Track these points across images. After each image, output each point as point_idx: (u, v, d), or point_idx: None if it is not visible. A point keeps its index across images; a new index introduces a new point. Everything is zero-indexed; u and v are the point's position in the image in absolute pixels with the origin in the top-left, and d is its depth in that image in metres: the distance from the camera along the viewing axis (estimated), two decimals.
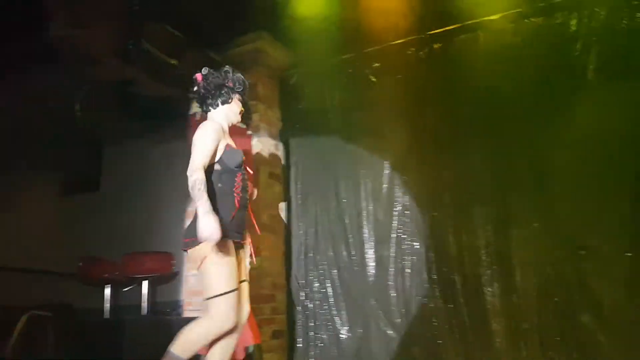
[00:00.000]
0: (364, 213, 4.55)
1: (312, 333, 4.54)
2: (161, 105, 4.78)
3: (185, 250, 2.67)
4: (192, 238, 2.57)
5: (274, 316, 4.59)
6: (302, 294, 4.67)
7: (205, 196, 2.48)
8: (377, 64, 4.68)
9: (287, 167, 5.04)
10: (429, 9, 4.19)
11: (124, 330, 4.55)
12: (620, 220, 3.61)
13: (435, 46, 4.42)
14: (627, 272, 3.52)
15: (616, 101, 3.67)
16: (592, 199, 3.70)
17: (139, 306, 5.28)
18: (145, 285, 5.27)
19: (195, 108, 4.25)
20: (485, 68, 4.12)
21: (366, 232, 4.51)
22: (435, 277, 4.15)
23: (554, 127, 3.86)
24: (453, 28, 4.31)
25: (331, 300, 4.51)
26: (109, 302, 5.20)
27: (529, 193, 3.87)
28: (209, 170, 2.68)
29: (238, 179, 2.82)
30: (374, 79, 4.69)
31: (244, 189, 2.85)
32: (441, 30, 4.35)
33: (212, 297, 2.59)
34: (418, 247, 4.27)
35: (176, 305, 5.09)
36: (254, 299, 4.30)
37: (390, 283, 4.30)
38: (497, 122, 4.06)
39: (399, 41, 4.52)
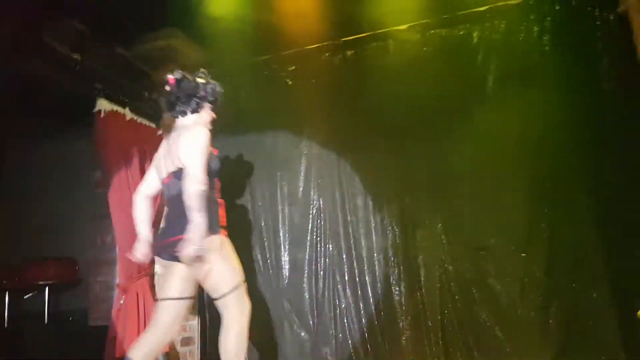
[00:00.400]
0: (280, 216, 4.55)
1: None
2: (64, 101, 4.52)
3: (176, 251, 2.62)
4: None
5: (184, 322, 4.46)
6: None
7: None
8: (292, 67, 4.70)
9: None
10: (343, 16, 4.28)
11: (24, 339, 4.30)
12: (515, 222, 3.86)
13: (349, 52, 4.52)
14: (522, 271, 3.78)
15: (513, 109, 3.93)
16: (491, 201, 3.94)
17: (41, 314, 5.01)
18: (46, 292, 5.00)
19: (100, 105, 4.04)
20: (394, 75, 4.29)
21: (282, 235, 4.50)
22: (347, 278, 4.23)
23: (457, 132, 4.08)
24: (365, 36, 4.42)
25: None
26: (6, 310, 4.87)
27: (433, 195, 4.06)
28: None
29: (217, 184, 2.89)
30: (289, 82, 4.70)
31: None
32: (354, 37, 4.45)
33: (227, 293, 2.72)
34: (331, 249, 4.33)
35: (81, 314, 4.83)
36: None
37: (304, 285, 4.33)
38: (405, 127, 4.23)
39: (314, 46, 4.57)
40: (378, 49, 4.43)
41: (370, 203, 4.26)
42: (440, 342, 3.85)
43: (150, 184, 3.10)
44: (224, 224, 2.88)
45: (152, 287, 4.16)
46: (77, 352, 4.08)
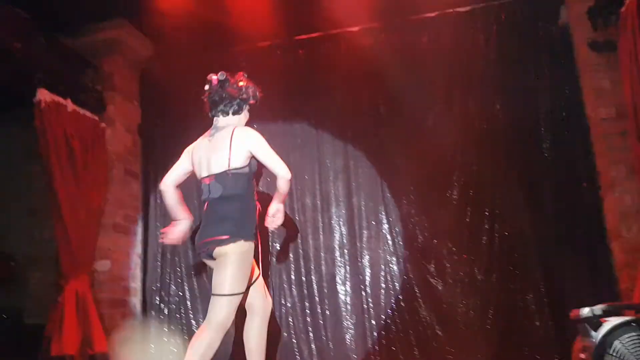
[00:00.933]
0: None
1: (165, 339, 4.37)
2: (1, 90, 4.32)
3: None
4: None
5: (125, 322, 4.36)
6: (157, 298, 4.47)
7: None
8: (243, 64, 4.64)
9: (145, 164, 4.81)
10: (297, 16, 4.28)
11: None
12: (458, 224, 3.97)
13: (301, 52, 4.52)
14: (463, 272, 3.89)
15: (458, 113, 4.06)
16: (435, 203, 4.05)
17: None
18: None
19: (41, 95, 3.87)
20: (345, 76, 4.33)
21: None
22: (293, 277, 4.23)
23: (403, 135, 4.20)
24: (317, 36, 4.43)
25: (188, 304, 4.38)
26: None
27: (380, 196, 4.11)
28: (243, 173, 2.78)
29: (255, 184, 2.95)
30: None
31: None
32: (306, 37, 4.45)
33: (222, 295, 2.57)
34: (279, 248, 4.32)
35: (16, 311, 4.62)
36: (103, 304, 4.11)
37: None
38: (352, 129, 4.29)
39: (266, 43, 4.53)
40: (330, 49, 4.46)
41: (319, 203, 4.28)
42: (384, 340, 3.91)
43: (179, 175, 3.16)
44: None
45: (92, 285, 4.03)
46: (11, 351, 3.92)
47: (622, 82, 3.36)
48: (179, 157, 4.58)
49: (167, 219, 4.55)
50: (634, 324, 2.49)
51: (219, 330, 2.60)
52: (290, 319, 4.16)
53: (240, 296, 2.65)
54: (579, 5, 3.77)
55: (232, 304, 2.61)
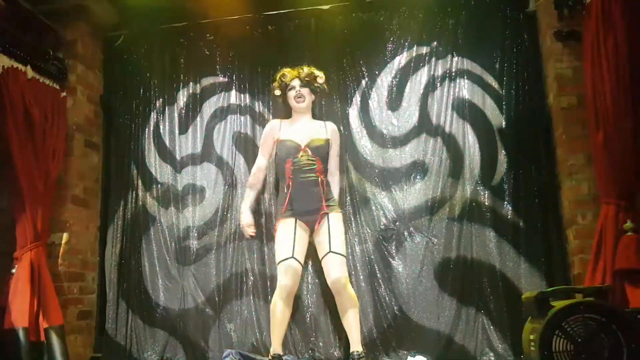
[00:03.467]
0: (190, 190, 4.43)
1: (123, 314, 4.32)
2: None
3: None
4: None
5: (82, 296, 4.29)
6: (116, 272, 4.41)
7: None
8: (210, 37, 4.57)
9: (107, 136, 4.70)
10: None
11: None
12: (419, 205, 4.04)
13: (270, 27, 4.46)
14: (422, 254, 3.96)
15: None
16: (398, 185, 4.12)
17: None
18: None
19: (4, 61, 3.73)
20: (314, 53, 4.29)
21: (191, 210, 4.40)
22: (255, 255, 4.20)
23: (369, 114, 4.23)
24: (287, 12, 4.37)
25: (147, 278, 4.33)
26: None
27: (343, 178, 4.11)
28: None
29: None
30: (206, 52, 4.57)
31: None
32: (276, 12, 4.39)
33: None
34: (240, 226, 4.28)
35: None
36: (60, 277, 4.04)
37: (211, 261, 4.27)
38: (320, 107, 4.25)
39: (234, 17, 4.45)
40: (300, 26, 4.41)
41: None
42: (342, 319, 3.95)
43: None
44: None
45: (48, 257, 3.95)
46: None
47: (584, 72, 3.42)
48: (142, 130, 4.54)
49: (128, 192, 4.50)
50: (581, 307, 2.58)
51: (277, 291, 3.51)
52: (251, 297, 4.15)
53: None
54: None
55: (281, 270, 3.49)
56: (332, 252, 3.40)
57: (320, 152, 3.60)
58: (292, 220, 3.48)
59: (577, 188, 3.63)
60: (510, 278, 3.82)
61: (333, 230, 3.45)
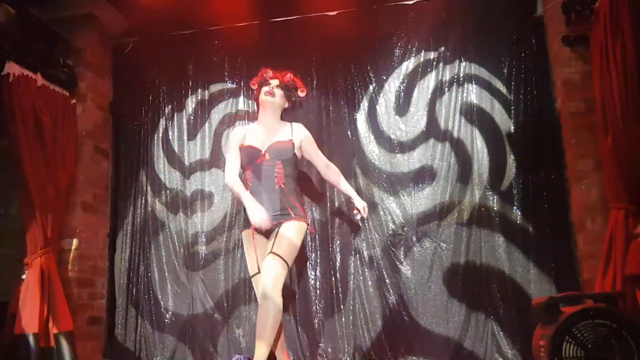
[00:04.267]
0: (199, 196, 4.45)
1: (133, 319, 4.34)
2: None
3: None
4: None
5: (91, 302, 4.31)
6: (125, 278, 4.43)
7: None
8: (219, 44, 4.60)
9: (116, 142, 4.73)
10: None
11: None
12: (425, 211, 4.03)
13: (277, 34, 4.48)
14: (430, 259, 3.95)
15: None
16: (406, 191, 4.14)
17: None
18: None
19: (9, 68, 3.77)
20: (321, 60, 4.31)
21: (199, 214, 4.42)
22: None
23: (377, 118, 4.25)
24: (294, 18, 4.39)
25: (156, 284, 4.35)
26: None
27: (351, 182, 4.11)
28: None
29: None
30: (215, 59, 4.61)
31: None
32: (283, 19, 4.41)
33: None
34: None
35: None
36: (70, 283, 4.06)
37: (220, 267, 4.28)
38: (328, 112, 4.32)
39: (242, 24, 4.48)
40: (307, 32, 4.42)
41: None
42: (351, 325, 3.95)
43: None
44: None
45: (58, 263, 3.98)
46: None
47: (592, 77, 3.41)
48: (150, 137, 4.57)
49: (137, 198, 4.53)
50: (591, 313, 2.56)
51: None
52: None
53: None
54: None
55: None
56: (272, 252, 3.01)
57: (282, 154, 3.23)
58: (250, 232, 3.16)
59: (586, 193, 3.61)
60: (520, 283, 3.81)
61: (280, 235, 3.06)
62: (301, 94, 3.47)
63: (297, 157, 3.33)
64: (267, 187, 3.16)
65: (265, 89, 3.35)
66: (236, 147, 3.33)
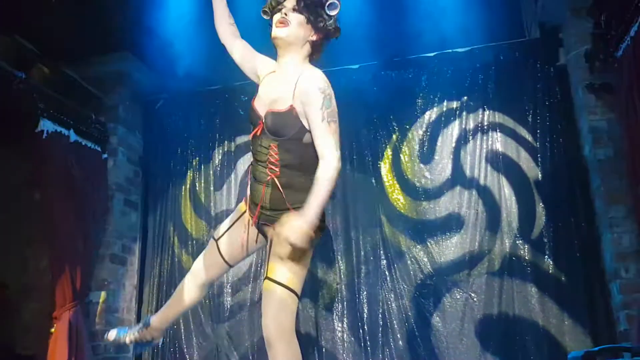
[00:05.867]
0: None
1: None
2: (4, 119, 4.34)
3: None
4: None
5: (118, 355, 4.29)
6: None
7: None
8: (245, 98, 4.71)
9: (145, 195, 4.82)
10: None
11: None
12: (456, 261, 3.98)
13: None
14: (461, 310, 3.87)
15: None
16: (431, 240, 4.07)
17: None
18: None
19: (43, 125, 3.90)
20: (344, 109, 4.33)
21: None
22: None
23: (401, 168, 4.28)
24: None
25: (182, 337, 4.33)
26: None
27: (378, 231, 4.11)
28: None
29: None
30: (241, 112, 4.71)
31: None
32: None
33: None
34: None
35: (9, 341, 4.55)
36: (97, 336, 4.06)
37: (245, 319, 4.25)
38: (352, 162, 4.37)
39: None
40: (330, 84, 4.50)
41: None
42: None
43: None
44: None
45: (86, 316, 4.00)
46: None
47: (620, 125, 3.40)
48: (179, 188, 4.64)
49: (164, 250, 4.57)
50: None
51: None
52: None
53: None
54: (576, 47, 3.83)
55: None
56: (268, 278, 2.11)
57: (278, 130, 2.14)
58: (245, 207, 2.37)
59: (618, 240, 3.53)
60: (554, 335, 3.69)
61: (274, 248, 2.12)
62: (333, 12, 2.23)
63: (305, 133, 2.12)
64: (255, 175, 2.23)
65: (276, 17, 2.21)
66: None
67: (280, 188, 2.12)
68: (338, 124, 2.14)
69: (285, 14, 2.19)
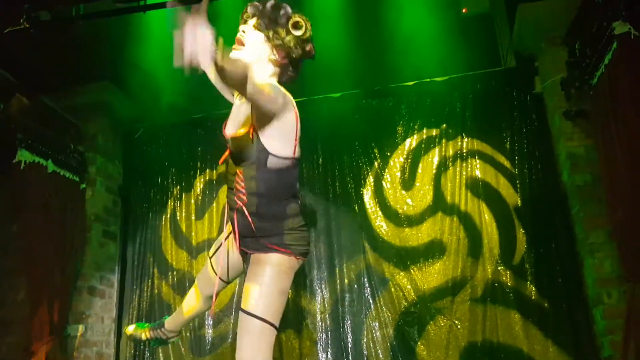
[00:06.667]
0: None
1: None
2: None
3: None
4: None
5: None
6: None
7: None
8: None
9: (125, 225, 4.75)
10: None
11: None
12: (440, 289, 3.97)
13: None
14: (446, 338, 3.85)
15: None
16: (417, 268, 4.07)
17: None
18: None
19: (21, 156, 3.84)
20: (327, 140, 4.41)
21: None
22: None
23: (380, 199, 4.28)
24: (300, 100, 4.49)
25: None
26: None
27: (362, 259, 4.10)
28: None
29: None
30: (223, 140, 4.68)
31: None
32: None
33: None
34: None
35: None
36: None
37: (227, 351, 4.16)
38: (335, 190, 4.36)
39: None
40: (312, 113, 4.52)
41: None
42: None
43: None
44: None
45: (63, 350, 3.88)
46: None
47: (597, 151, 3.45)
48: (159, 218, 4.58)
49: (143, 281, 4.48)
50: None
51: None
52: None
53: None
54: (552, 75, 3.90)
55: None
56: (241, 309, 1.98)
57: (239, 155, 2.05)
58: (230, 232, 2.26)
59: (599, 266, 3.54)
60: None
61: (248, 276, 2.03)
62: (295, 31, 2.08)
63: (268, 157, 1.98)
64: (229, 202, 2.13)
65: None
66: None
67: (249, 217, 2.03)
68: (271, 94, 1.94)
69: (244, 31, 2.10)
